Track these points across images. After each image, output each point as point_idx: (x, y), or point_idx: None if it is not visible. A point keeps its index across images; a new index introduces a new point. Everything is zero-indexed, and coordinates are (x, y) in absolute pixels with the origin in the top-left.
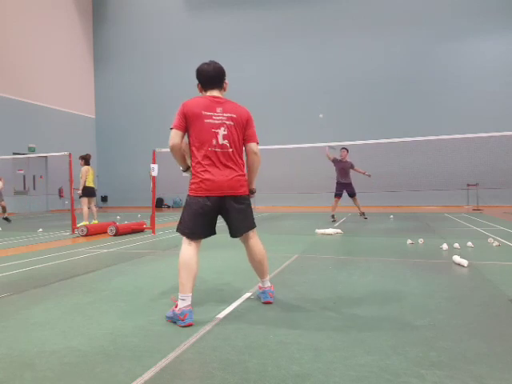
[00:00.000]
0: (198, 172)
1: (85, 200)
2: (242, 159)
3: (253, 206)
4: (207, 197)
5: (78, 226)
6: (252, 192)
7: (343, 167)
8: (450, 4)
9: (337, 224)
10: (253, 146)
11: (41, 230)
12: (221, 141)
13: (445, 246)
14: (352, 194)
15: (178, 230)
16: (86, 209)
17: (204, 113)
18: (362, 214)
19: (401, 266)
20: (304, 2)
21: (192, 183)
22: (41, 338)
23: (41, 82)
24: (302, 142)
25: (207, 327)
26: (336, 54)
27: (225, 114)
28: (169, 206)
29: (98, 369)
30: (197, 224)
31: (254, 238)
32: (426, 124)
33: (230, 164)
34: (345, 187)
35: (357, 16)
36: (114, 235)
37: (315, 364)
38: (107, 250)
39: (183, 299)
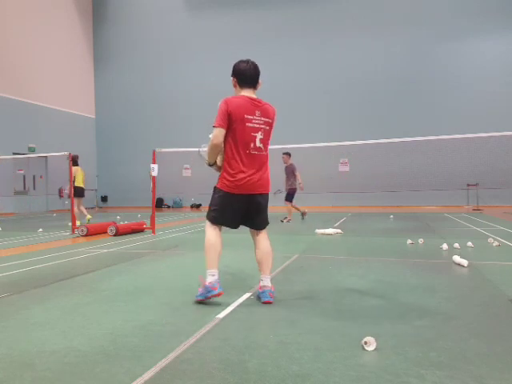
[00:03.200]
0: (233, 170)
1: (78, 201)
2: (268, 160)
3: None
4: (240, 194)
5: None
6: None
7: (286, 172)
8: (449, 4)
9: (337, 224)
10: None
11: (41, 230)
12: (258, 144)
13: (445, 246)
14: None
15: (209, 216)
16: (77, 209)
17: (246, 116)
18: (285, 218)
19: (401, 266)
20: (304, 2)
21: (225, 179)
22: (41, 338)
23: (41, 82)
24: (302, 142)
25: (207, 327)
26: (336, 54)
27: (262, 119)
28: (169, 206)
29: (97, 369)
30: (227, 215)
31: (266, 236)
32: (426, 124)
33: (262, 165)
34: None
35: (357, 16)
36: (114, 235)
37: (315, 364)
38: (107, 250)
39: (212, 274)
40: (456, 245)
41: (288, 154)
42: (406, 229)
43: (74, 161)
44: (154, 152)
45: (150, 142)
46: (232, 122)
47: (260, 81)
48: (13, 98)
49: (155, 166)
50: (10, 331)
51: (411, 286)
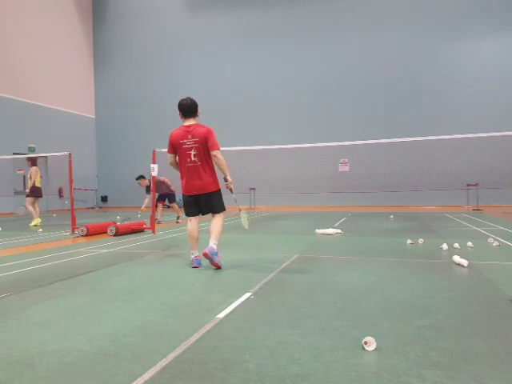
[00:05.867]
0: (182, 179)
1: (31, 200)
2: (208, 168)
3: (253, 206)
4: (189, 195)
5: (31, 224)
6: (226, 180)
7: (157, 185)
8: (449, 4)
9: (337, 224)
10: (213, 152)
11: (41, 230)
12: (193, 158)
13: (445, 246)
14: (171, 200)
15: (184, 213)
16: (31, 208)
17: (181, 141)
18: (178, 217)
19: (401, 265)
20: (304, 3)
21: (182, 186)
22: (41, 338)
23: (41, 82)
24: (302, 142)
25: (207, 327)
26: (336, 54)
27: (193, 139)
28: (168, 206)
29: (97, 369)
30: (188, 209)
31: (217, 217)
32: (426, 124)
33: (200, 173)
34: (165, 195)
35: (357, 16)
36: (114, 235)
37: (315, 364)
38: (107, 250)
39: (192, 253)
40: (456, 245)
41: (143, 177)
42: (406, 229)
43: (34, 161)
44: (153, 152)
45: (150, 142)
46: (174, 147)
47: (199, 110)
48: (13, 97)
49: (155, 166)
50: (9, 331)
51: (411, 286)
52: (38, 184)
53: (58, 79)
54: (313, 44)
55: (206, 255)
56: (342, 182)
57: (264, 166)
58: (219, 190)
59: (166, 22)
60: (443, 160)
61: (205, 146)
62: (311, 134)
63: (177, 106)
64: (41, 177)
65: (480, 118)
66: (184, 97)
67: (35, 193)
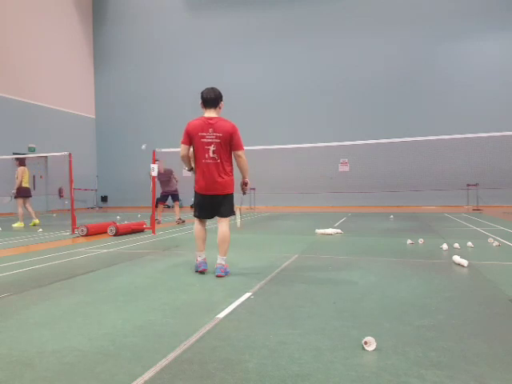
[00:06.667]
0: (197, 176)
1: (20, 201)
2: (228, 167)
3: (253, 206)
4: (205, 194)
5: (14, 225)
6: (245, 183)
7: (165, 178)
8: (450, 4)
9: (337, 224)
10: (237, 152)
11: (41, 230)
12: (211, 155)
13: (445, 246)
14: (176, 199)
15: (194, 214)
16: (21, 210)
17: (200, 134)
18: (179, 219)
19: (401, 265)
20: (304, 2)
21: (195, 183)
22: (41, 338)
23: (41, 82)
24: (302, 142)
25: (207, 327)
26: (336, 54)
27: (214, 134)
28: (169, 206)
29: (98, 369)
30: (200, 210)
31: (225, 222)
32: (426, 124)
33: (218, 172)
34: (169, 194)
35: (357, 16)
36: (114, 235)
37: (315, 364)
38: (107, 250)
39: (199, 256)
40: (456, 245)
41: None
42: (405, 229)
43: (22, 161)
44: (153, 152)
45: (150, 142)
46: (191, 138)
47: (222, 103)
48: (13, 97)
49: (155, 166)
50: (9, 331)
51: (411, 286)
52: (24, 184)
53: (58, 79)
54: (313, 44)
55: (220, 277)
56: (342, 182)
57: (264, 166)
58: (233, 193)
59: (166, 22)
60: (443, 160)
61: (228, 143)
62: (311, 134)
63: (178, 105)
64: (38, 177)
65: (480, 118)
66: (183, 96)
67: (22, 193)
